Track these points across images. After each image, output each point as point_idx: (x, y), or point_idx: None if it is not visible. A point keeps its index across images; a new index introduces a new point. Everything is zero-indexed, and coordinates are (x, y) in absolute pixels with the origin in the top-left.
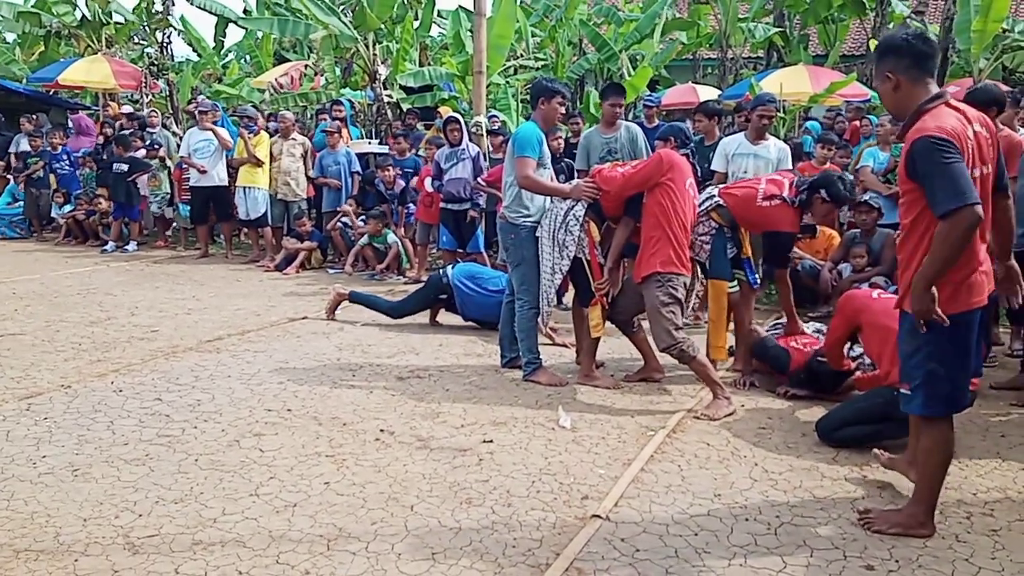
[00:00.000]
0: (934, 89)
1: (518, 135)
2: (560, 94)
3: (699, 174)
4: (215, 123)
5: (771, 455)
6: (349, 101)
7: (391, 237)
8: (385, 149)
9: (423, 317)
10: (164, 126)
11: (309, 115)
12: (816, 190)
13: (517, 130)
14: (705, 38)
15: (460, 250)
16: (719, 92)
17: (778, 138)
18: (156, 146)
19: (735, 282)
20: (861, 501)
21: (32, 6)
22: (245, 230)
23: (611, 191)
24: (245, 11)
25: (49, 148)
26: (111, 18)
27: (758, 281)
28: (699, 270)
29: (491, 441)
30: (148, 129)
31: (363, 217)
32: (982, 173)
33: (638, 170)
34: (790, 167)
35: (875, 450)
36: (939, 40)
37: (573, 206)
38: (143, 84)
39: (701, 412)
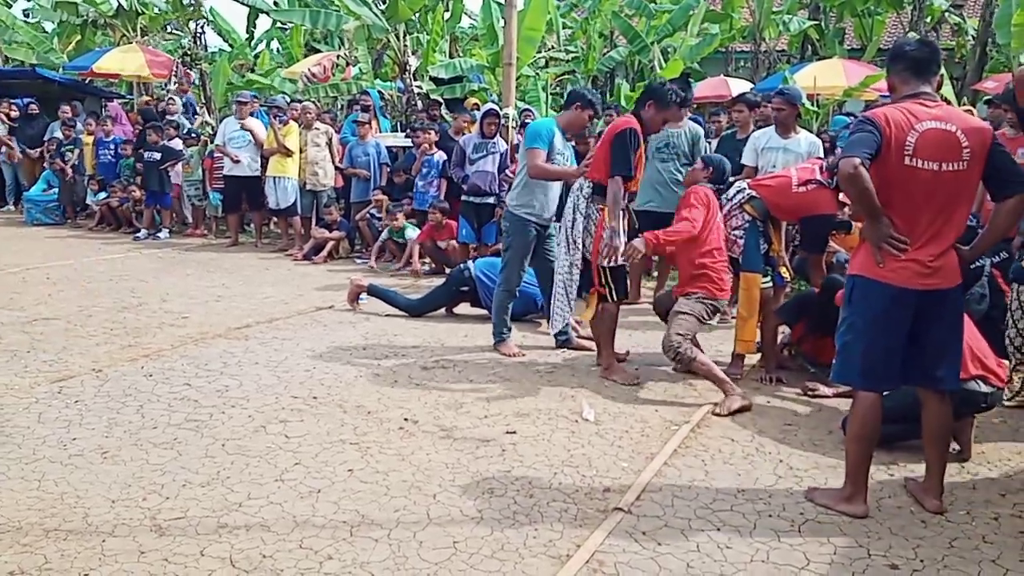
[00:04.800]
0: (917, 89)
1: (529, 128)
2: (594, 109)
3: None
4: (251, 114)
5: (796, 452)
6: (379, 92)
7: (409, 232)
8: (409, 142)
9: None
10: (192, 106)
11: (340, 106)
12: None
13: (531, 124)
14: (739, 31)
15: (476, 244)
16: (751, 85)
17: (810, 132)
18: (195, 135)
19: (768, 277)
20: (888, 500)
21: None
22: (274, 219)
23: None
24: (275, 3)
25: (102, 135)
26: (146, 8)
27: (784, 280)
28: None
29: (514, 432)
30: (168, 117)
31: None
32: (939, 168)
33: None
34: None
35: (906, 476)
36: (978, 34)
37: (586, 210)
38: (173, 73)
39: (714, 411)
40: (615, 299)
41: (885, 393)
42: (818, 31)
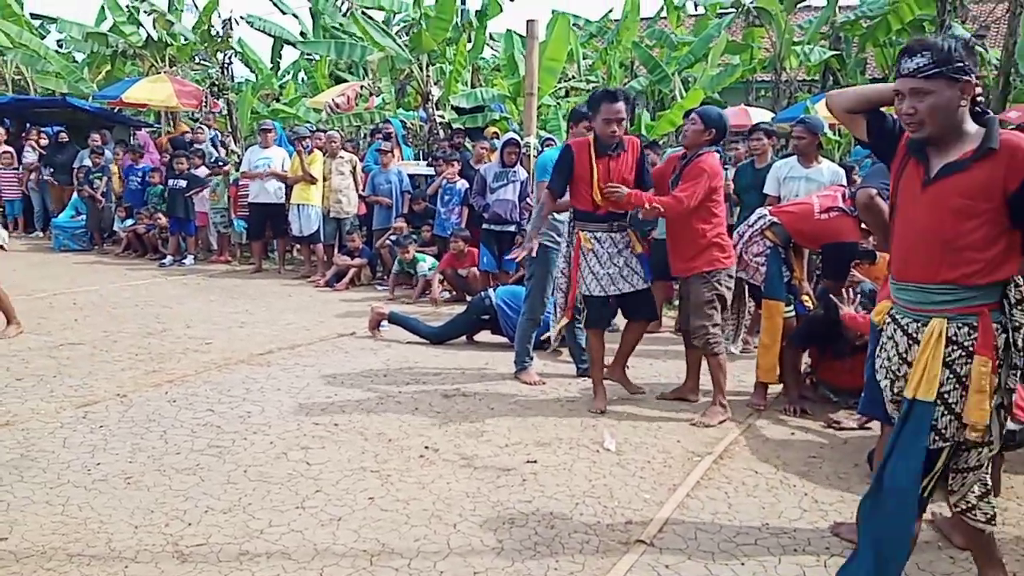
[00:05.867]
0: None
1: (537, 162)
2: (585, 117)
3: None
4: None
5: (821, 485)
6: (402, 121)
7: (421, 267)
8: (432, 171)
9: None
10: (217, 143)
11: (363, 134)
12: None
13: (539, 157)
14: (759, 63)
15: (497, 272)
16: (772, 115)
17: (832, 161)
18: (221, 163)
19: (791, 306)
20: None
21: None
22: (298, 246)
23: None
24: (302, 34)
25: (130, 163)
26: (175, 39)
27: (807, 309)
28: (746, 292)
29: (535, 462)
30: (195, 145)
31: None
32: None
33: (699, 187)
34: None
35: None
36: (1001, 64)
37: (568, 236)
38: (203, 103)
39: (697, 420)
40: (583, 323)
41: None
42: (839, 61)
